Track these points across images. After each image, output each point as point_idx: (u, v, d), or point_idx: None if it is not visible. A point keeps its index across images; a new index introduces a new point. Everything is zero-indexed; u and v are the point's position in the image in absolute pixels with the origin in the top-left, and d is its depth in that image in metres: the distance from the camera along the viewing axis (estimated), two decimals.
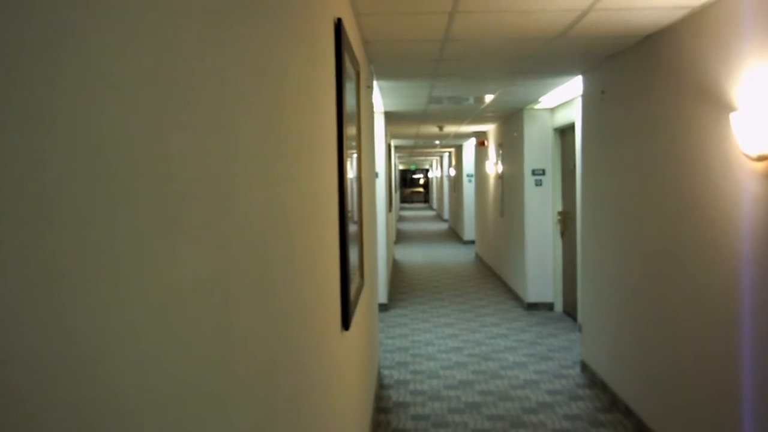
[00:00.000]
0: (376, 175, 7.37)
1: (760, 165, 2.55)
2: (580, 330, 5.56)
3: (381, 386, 4.83)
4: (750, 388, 2.68)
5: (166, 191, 0.67)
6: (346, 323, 2.23)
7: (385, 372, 5.18)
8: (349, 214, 2.47)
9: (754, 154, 2.54)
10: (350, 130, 2.65)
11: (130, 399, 0.58)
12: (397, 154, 18.47)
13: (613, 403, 4.35)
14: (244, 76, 0.99)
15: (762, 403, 2.59)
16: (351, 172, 2.66)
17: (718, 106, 2.89)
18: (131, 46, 0.60)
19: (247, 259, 0.97)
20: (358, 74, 3.13)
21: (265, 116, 1.13)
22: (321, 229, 1.80)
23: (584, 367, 5.02)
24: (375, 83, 5.51)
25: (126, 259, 0.58)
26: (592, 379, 4.81)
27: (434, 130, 10.77)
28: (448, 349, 5.85)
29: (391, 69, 4.96)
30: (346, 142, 2.34)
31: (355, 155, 2.93)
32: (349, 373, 2.55)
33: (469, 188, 15.24)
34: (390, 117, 8.27)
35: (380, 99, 6.64)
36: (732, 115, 2.68)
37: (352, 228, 2.59)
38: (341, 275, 2.22)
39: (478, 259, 12.22)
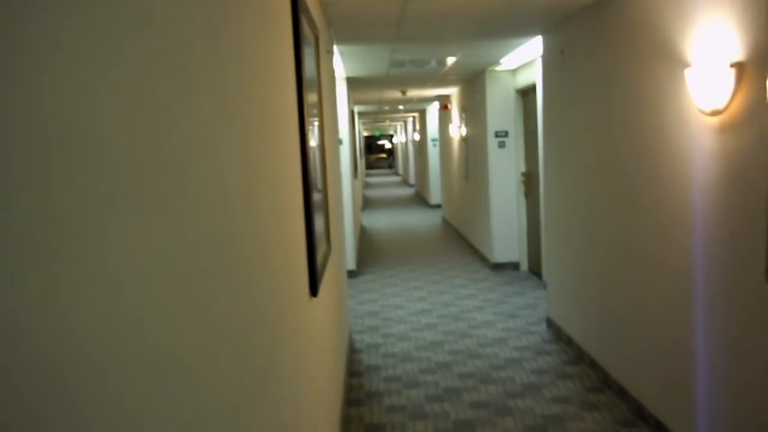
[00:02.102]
0: (340, 142, 7.32)
1: (714, 120, 2.62)
2: (545, 288, 5.68)
3: (353, 351, 4.89)
4: (702, 335, 2.79)
5: (123, 162, 0.66)
6: (314, 290, 2.24)
7: (356, 337, 5.25)
8: (313, 182, 2.46)
9: (708, 109, 2.61)
10: (311, 97, 2.62)
11: (101, 375, 0.58)
12: (360, 121, 18.35)
13: (578, 356, 4.49)
14: (198, 42, 0.97)
15: (712, 347, 2.70)
16: (313, 140, 2.64)
17: (674, 62, 2.94)
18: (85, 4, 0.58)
19: (209, 229, 0.97)
20: (317, 39, 3.08)
21: (221, 83, 1.11)
22: (285, 196, 1.80)
23: (550, 323, 5.16)
24: (335, 48, 5.44)
25: (83, 234, 0.57)
26: (557, 335, 4.95)
27: (397, 94, 10.72)
28: (417, 311, 5.94)
29: (351, 33, 4.89)
30: (307, 109, 2.31)
31: (317, 123, 2.90)
32: (320, 338, 2.58)
33: (433, 152, 15.29)
34: (352, 83, 8.19)
35: (341, 64, 6.56)
36: (687, 71, 2.74)
37: (316, 196, 2.58)
38: (307, 242, 2.23)
39: (445, 222, 12.33)
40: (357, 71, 7.21)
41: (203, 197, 0.95)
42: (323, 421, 2.51)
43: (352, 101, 10.19)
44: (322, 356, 2.65)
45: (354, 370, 4.48)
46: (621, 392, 3.74)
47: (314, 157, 2.63)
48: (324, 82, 3.53)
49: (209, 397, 0.92)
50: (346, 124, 7.64)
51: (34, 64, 0.51)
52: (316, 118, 2.91)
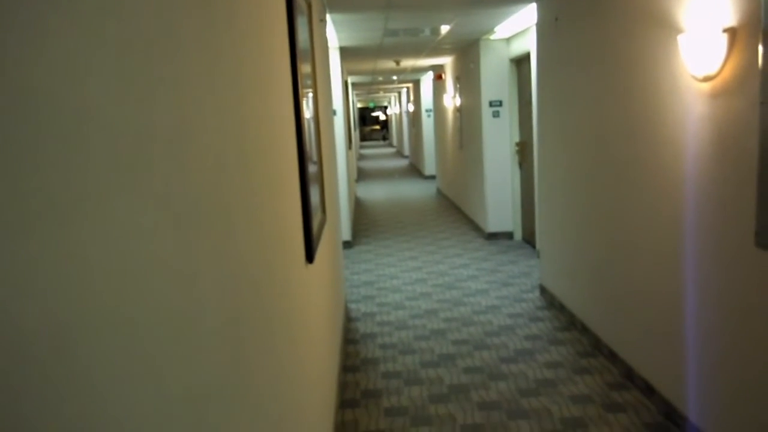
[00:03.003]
0: (334, 113, 7.30)
1: (706, 86, 2.63)
2: (538, 256, 5.74)
3: (349, 319, 4.96)
4: (692, 299, 2.85)
5: (119, 129, 0.68)
6: (310, 256, 2.28)
7: (352, 306, 5.31)
8: (308, 152, 2.47)
9: (700, 75, 2.62)
10: (305, 68, 2.62)
11: (99, 340, 0.61)
12: (354, 92, 18.22)
13: (570, 322, 4.56)
14: (189, 8, 0.98)
15: (702, 311, 2.76)
16: (308, 112, 2.64)
17: (667, 28, 2.94)
18: None
19: (204, 196, 0.99)
20: (309, 6, 3.07)
21: (214, 50, 1.12)
22: (280, 165, 1.81)
23: (543, 290, 5.22)
24: (328, 17, 5.39)
25: (84, 201, 0.59)
26: (550, 302, 5.02)
27: (391, 64, 10.64)
28: (412, 280, 6.00)
29: (344, 0, 4.85)
30: (301, 80, 2.31)
31: (311, 94, 2.90)
32: (316, 304, 2.62)
33: (428, 123, 15.24)
34: (346, 53, 8.12)
35: (334, 33, 6.51)
36: (680, 37, 2.74)
37: (311, 165, 2.60)
38: (303, 210, 2.25)
39: (440, 193, 12.35)
40: (350, 41, 7.15)
41: (196, 166, 0.96)
42: (321, 386, 2.56)
43: (345, 72, 10.12)
44: (319, 321, 2.70)
45: (350, 338, 4.54)
46: (612, 356, 3.82)
47: (309, 127, 2.63)
48: (317, 51, 3.52)
49: (205, 364, 0.93)
50: (339, 95, 7.60)
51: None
52: (310, 89, 2.91)
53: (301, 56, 2.36)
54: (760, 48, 2.24)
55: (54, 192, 0.54)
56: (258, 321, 1.34)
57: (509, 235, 7.63)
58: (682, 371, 2.99)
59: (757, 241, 2.34)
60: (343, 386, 3.73)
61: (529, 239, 7.20)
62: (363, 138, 35.60)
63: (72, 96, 0.58)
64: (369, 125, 38.89)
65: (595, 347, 4.08)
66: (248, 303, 1.25)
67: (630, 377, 3.57)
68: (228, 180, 1.15)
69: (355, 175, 13.91)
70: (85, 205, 0.59)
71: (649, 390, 3.34)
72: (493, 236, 7.64)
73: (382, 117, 38.60)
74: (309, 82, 2.86)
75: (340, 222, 5.50)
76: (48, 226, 0.52)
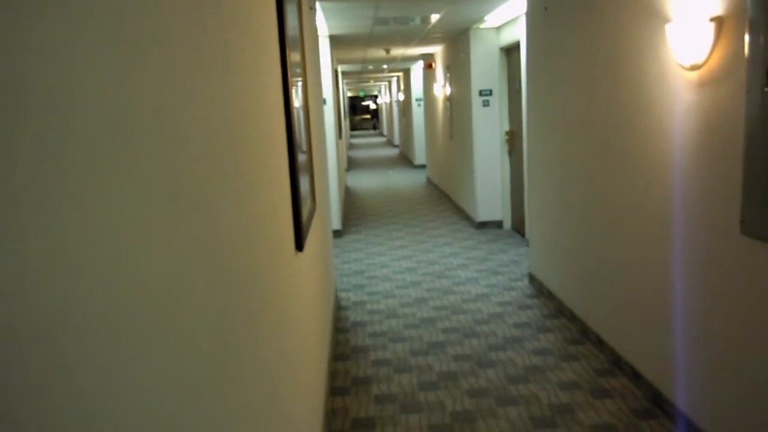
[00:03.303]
0: (324, 102, 7.28)
1: (693, 74, 2.65)
2: (527, 245, 5.77)
3: (339, 308, 4.97)
4: (679, 286, 2.88)
5: (103, 117, 0.68)
6: (299, 244, 2.28)
7: (342, 295, 5.32)
8: (298, 140, 2.47)
9: (688, 64, 2.63)
10: (294, 56, 2.61)
11: (86, 317, 0.61)
12: (344, 81, 18.15)
13: (559, 310, 4.60)
14: None
15: (688, 298, 2.79)
16: (297, 101, 2.64)
17: (654, 18, 2.95)
18: None
19: (192, 183, 0.99)
20: None
21: (201, 36, 1.12)
22: (270, 154, 1.81)
23: (532, 278, 5.26)
24: (318, 4, 5.36)
25: (71, 184, 0.59)
26: (539, 290, 5.06)
27: (381, 53, 10.61)
28: (402, 269, 6.02)
29: None
30: (290, 69, 2.30)
31: (300, 82, 2.89)
32: (306, 292, 2.63)
33: (418, 112, 15.22)
34: (335, 41, 8.09)
35: (324, 22, 6.48)
36: (667, 26, 2.75)
37: (301, 154, 2.60)
38: (292, 199, 2.25)
39: (430, 182, 12.37)
40: (340, 29, 7.12)
41: (184, 153, 0.96)
42: (311, 374, 2.57)
43: (335, 60, 10.08)
44: (309, 309, 2.71)
45: (340, 327, 4.56)
46: (599, 343, 3.86)
47: (298, 116, 2.63)
48: (307, 39, 3.50)
49: (193, 351, 0.93)
50: (329, 83, 7.58)
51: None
52: (300, 78, 2.90)
53: (290, 44, 2.35)
54: (747, 37, 2.26)
55: (38, 176, 0.54)
56: (247, 309, 1.35)
57: (499, 224, 7.66)
58: (669, 358, 3.02)
59: (742, 229, 2.36)
60: (333, 374, 3.75)
61: (518, 228, 7.23)
62: (353, 127, 35.52)
63: (53, 82, 0.58)
64: (359, 114, 38.79)
65: (583, 334, 4.11)
66: (237, 291, 1.26)
67: (617, 364, 3.61)
68: (216, 168, 1.15)
69: (345, 164, 13.89)
70: (70, 191, 0.59)
71: (636, 376, 3.38)
72: (482, 225, 7.67)
73: (373, 106, 38.51)
74: (298, 70, 2.85)
75: (330, 211, 5.50)
76: (32, 209, 0.52)
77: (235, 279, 1.25)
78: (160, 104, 0.85)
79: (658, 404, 3.14)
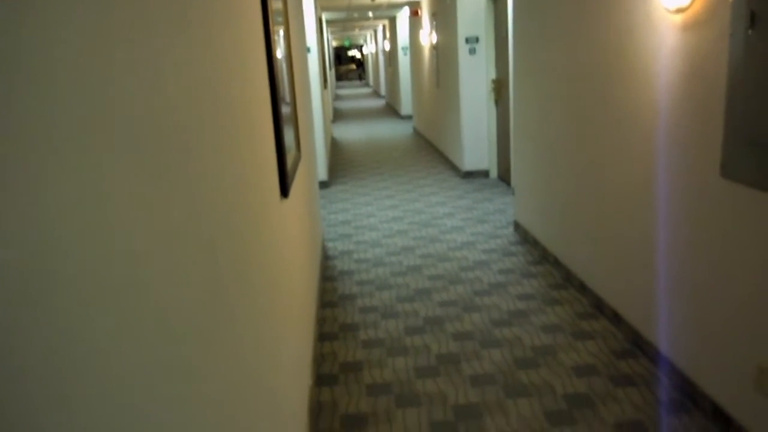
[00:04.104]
0: (308, 50, 7.16)
1: (678, 17, 2.64)
2: (513, 193, 5.82)
3: (326, 258, 5.02)
4: (660, 230, 2.94)
5: (76, 62, 0.68)
6: (284, 191, 2.29)
7: (330, 244, 5.36)
8: (281, 88, 2.44)
9: (673, 6, 2.62)
10: (275, 3, 2.55)
11: (67, 261, 0.62)
12: (329, 29, 17.81)
13: (543, 256, 4.67)
14: None
15: (669, 241, 2.85)
16: (280, 51, 2.59)
17: None
18: None
19: (173, 128, 0.98)
20: None
21: None
22: (252, 100, 1.80)
23: (517, 226, 5.32)
24: None
25: (45, 132, 0.60)
26: (524, 237, 5.13)
27: (367, 0, 10.39)
28: (389, 219, 6.05)
29: None
30: (272, 17, 2.26)
31: (282, 31, 2.84)
32: (293, 237, 2.65)
33: (404, 62, 15.02)
34: None
35: None
36: None
37: (285, 101, 2.58)
38: (276, 146, 2.25)
39: (416, 133, 12.31)
40: None
41: (164, 104, 0.96)
42: (299, 319, 2.62)
43: (319, 8, 9.86)
44: (296, 255, 2.74)
45: (328, 275, 4.61)
46: (582, 288, 3.95)
47: (281, 66, 2.59)
48: None
49: (181, 297, 0.94)
50: (313, 32, 7.44)
51: None
52: (282, 26, 2.85)
53: None
54: None
55: (16, 144, 0.54)
56: (234, 253, 1.37)
57: (485, 174, 7.68)
58: (649, 300, 3.11)
59: (723, 172, 2.40)
60: (321, 321, 3.81)
61: (504, 177, 7.26)
62: (339, 78, 35.04)
63: (24, 50, 0.57)
64: (345, 65, 38.20)
65: (567, 279, 4.20)
66: (224, 235, 1.27)
67: (599, 307, 3.70)
68: (198, 116, 1.15)
69: (331, 115, 13.75)
70: (45, 135, 0.59)
71: (617, 319, 3.47)
72: (469, 175, 7.69)
73: (358, 56, 37.91)
74: (280, 18, 2.79)
75: (316, 161, 5.49)
76: (9, 171, 0.53)
77: (222, 223, 1.26)
78: (137, 55, 0.85)
79: (637, 345, 3.24)
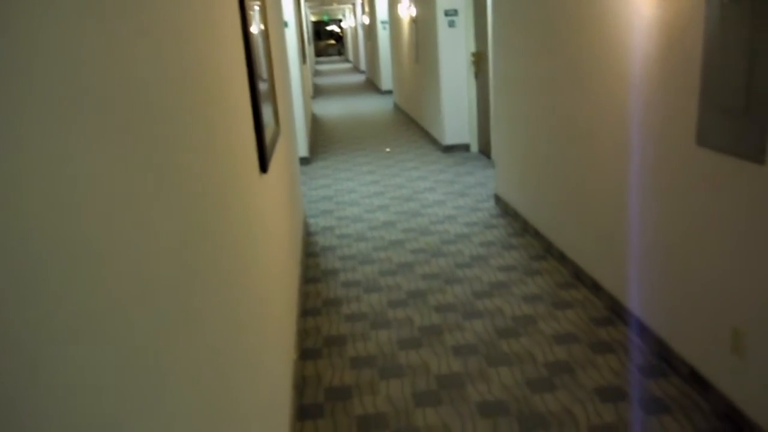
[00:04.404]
0: (285, 25, 7.06)
1: None
2: (494, 166, 5.83)
3: (308, 234, 5.02)
4: (636, 200, 2.97)
5: (47, 51, 0.67)
6: (263, 166, 2.28)
7: (311, 221, 5.36)
8: (258, 63, 2.41)
9: None
10: None
11: (45, 230, 0.62)
12: (307, 4, 17.57)
13: (524, 228, 4.72)
14: None
15: (645, 211, 2.89)
16: (256, 26, 2.56)
17: None
18: None
19: (146, 106, 0.98)
20: None
21: None
22: (228, 75, 1.78)
23: (498, 199, 5.35)
24: None
25: (17, 95, 0.59)
26: (505, 210, 5.16)
27: None
28: (370, 194, 6.05)
29: None
30: None
31: (258, 6, 2.79)
32: (273, 212, 2.64)
33: (384, 36, 14.89)
34: None
35: None
36: None
37: (262, 75, 2.55)
38: (255, 121, 2.23)
39: (397, 108, 12.26)
40: None
41: (137, 81, 0.95)
42: (283, 294, 2.63)
43: None
44: (277, 230, 2.74)
45: (310, 251, 4.62)
46: (562, 258, 4.00)
47: (257, 41, 2.56)
48: None
49: (153, 271, 0.93)
50: (291, 6, 7.33)
51: None
52: (258, 1, 2.80)
53: None
54: None
55: None
56: (212, 228, 1.36)
57: (466, 147, 7.69)
58: (627, 268, 3.16)
59: (698, 140, 2.43)
60: (305, 296, 3.83)
61: (485, 151, 7.28)
62: (318, 53, 34.67)
63: None
64: (324, 40, 37.77)
65: (547, 251, 4.25)
66: (201, 209, 1.27)
67: (578, 277, 3.75)
68: (168, 88, 1.13)
69: (311, 91, 13.63)
70: (16, 102, 0.59)
71: (595, 287, 3.53)
72: (449, 149, 7.69)
73: (338, 31, 37.49)
74: None
75: (296, 137, 5.45)
76: None
77: (201, 198, 1.26)
78: (107, 34, 0.83)
79: (615, 312, 3.30)
